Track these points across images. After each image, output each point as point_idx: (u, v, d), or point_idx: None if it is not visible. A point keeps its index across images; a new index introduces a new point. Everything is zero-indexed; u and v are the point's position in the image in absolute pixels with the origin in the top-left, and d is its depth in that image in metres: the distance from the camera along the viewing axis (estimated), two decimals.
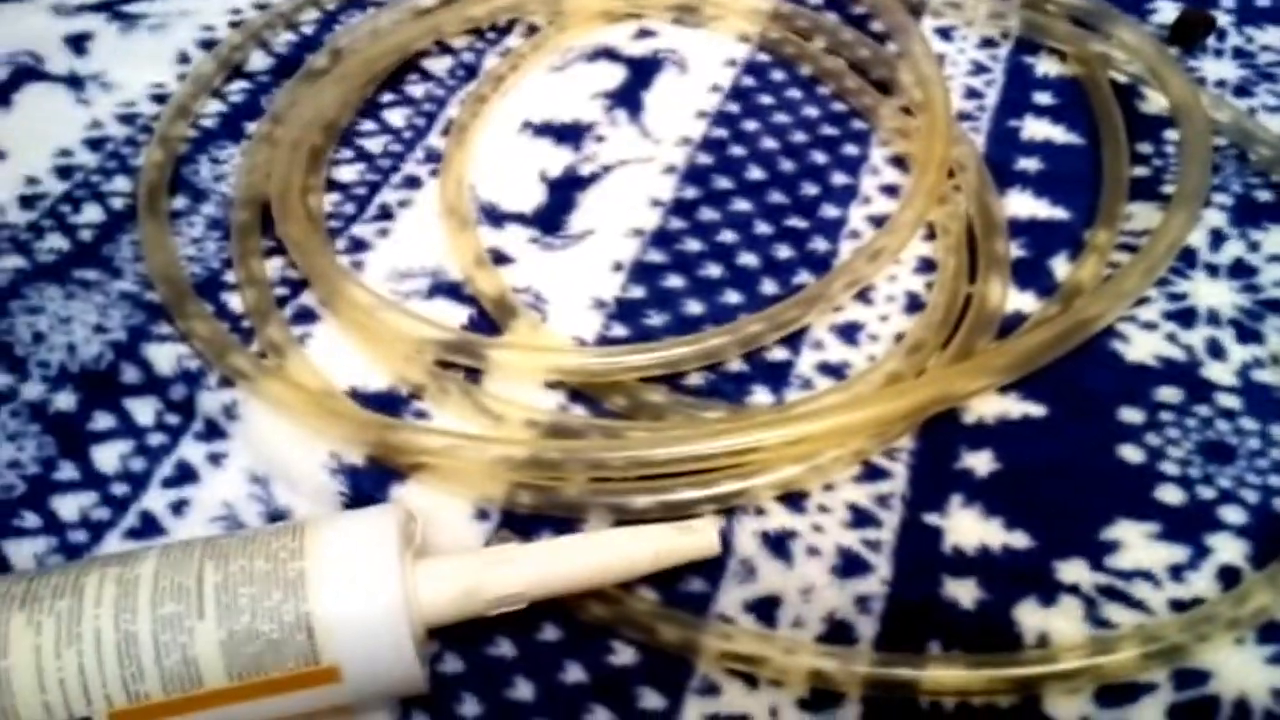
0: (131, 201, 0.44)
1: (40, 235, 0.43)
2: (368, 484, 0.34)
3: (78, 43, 0.52)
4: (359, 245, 0.42)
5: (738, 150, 0.45)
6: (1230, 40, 0.51)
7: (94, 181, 0.45)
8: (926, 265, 0.41)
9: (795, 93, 0.48)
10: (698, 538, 0.31)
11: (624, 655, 0.31)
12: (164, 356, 0.38)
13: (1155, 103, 0.47)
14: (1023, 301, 0.39)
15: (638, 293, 0.40)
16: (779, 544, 0.33)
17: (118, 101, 0.49)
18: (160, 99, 0.49)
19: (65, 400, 0.37)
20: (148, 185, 0.44)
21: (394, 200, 0.44)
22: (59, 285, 0.40)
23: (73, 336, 0.39)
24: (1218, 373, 0.37)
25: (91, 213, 0.44)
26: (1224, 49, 0.50)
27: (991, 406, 0.36)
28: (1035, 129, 0.46)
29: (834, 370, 0.37)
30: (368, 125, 0.47)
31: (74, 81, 0.50)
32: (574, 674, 0.30)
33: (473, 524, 0.33)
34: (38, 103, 0.49)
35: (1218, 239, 0.41)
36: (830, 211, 0.43)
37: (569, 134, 0.46)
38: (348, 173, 0.45)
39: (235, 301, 0.40)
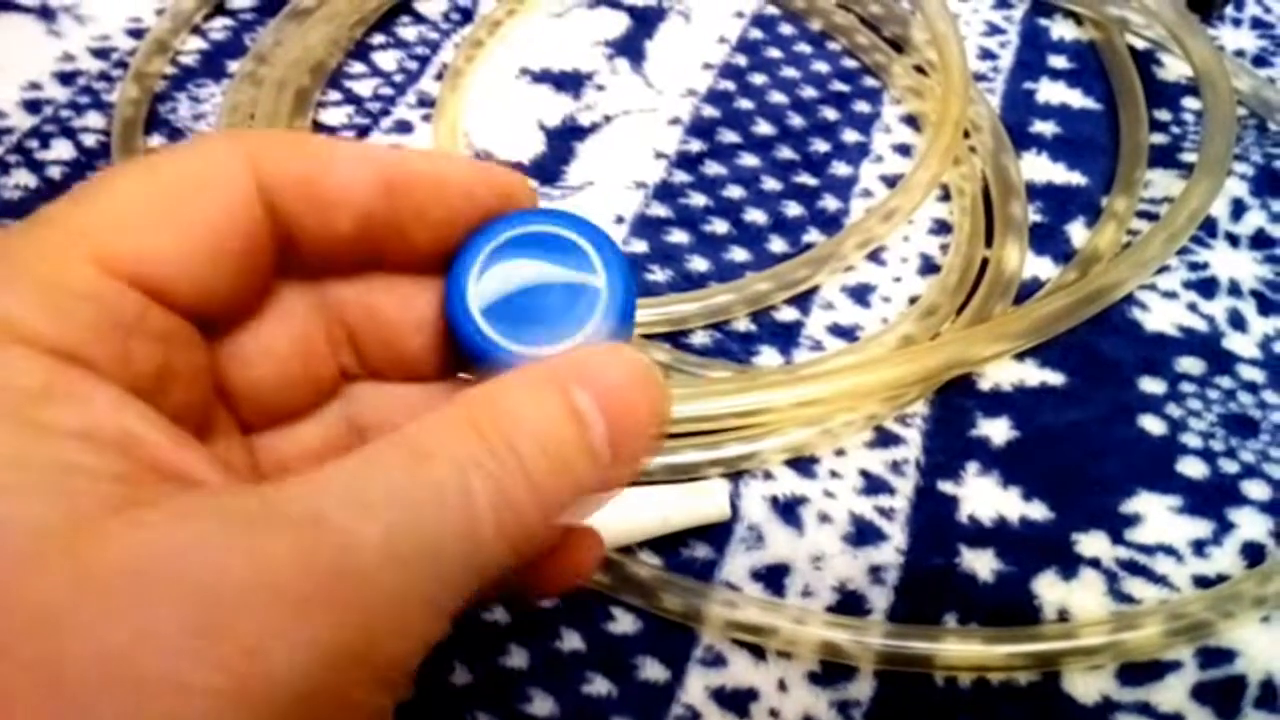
0: (105, 139, 0.41)
1: (5, 171, 0.40)
2: None
3: None
4: None
5: (745, 104, 0.43)
6: (1249, 10, 0.49)
7: (64, 117, 0.42)
8: (941, 227, 0.39)
9: (804, 47, 0.46)
10: (708, 501, 0.29)
11: (624, 623, 0.29)
12: None
13: (1173, 70, 0.45)
14: (1039, 267, 0.38)
15: (640, 247, 0.38)
16: (789, 510, 0.31)
17: (92, 35, 0.46)
18: (137, 34, 0.46)
19: None
20: (123, 122, 0.41)
21: (384, 145, 0.42)
22: None
23: None
24: (1239, 344, 0.36)
25: (61, 149, 0.41)
26: (1242, 18, 0.49)
27: (1008, 373, 0.35)
28: (1051, 92, 0.45)
29: (845, 332, 0.36)
30: (357, 67, 0.45)
31: (45, 13, 0.47)
32: (571, 642, 0.29)
33: None
34: (5, 33, 0.46)
35: (1239, 209, 0.40)
36: (841, 169, 0.41)
37: (568, 82, 0.44)
38: (335, 115, 0.43)
39: None
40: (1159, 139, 0.43)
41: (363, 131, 0.42)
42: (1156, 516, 0.31)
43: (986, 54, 0.46)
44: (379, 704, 0.14)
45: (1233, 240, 0.39)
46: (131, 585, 0.12)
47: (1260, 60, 0.47)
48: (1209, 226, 0.39)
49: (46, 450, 0.13)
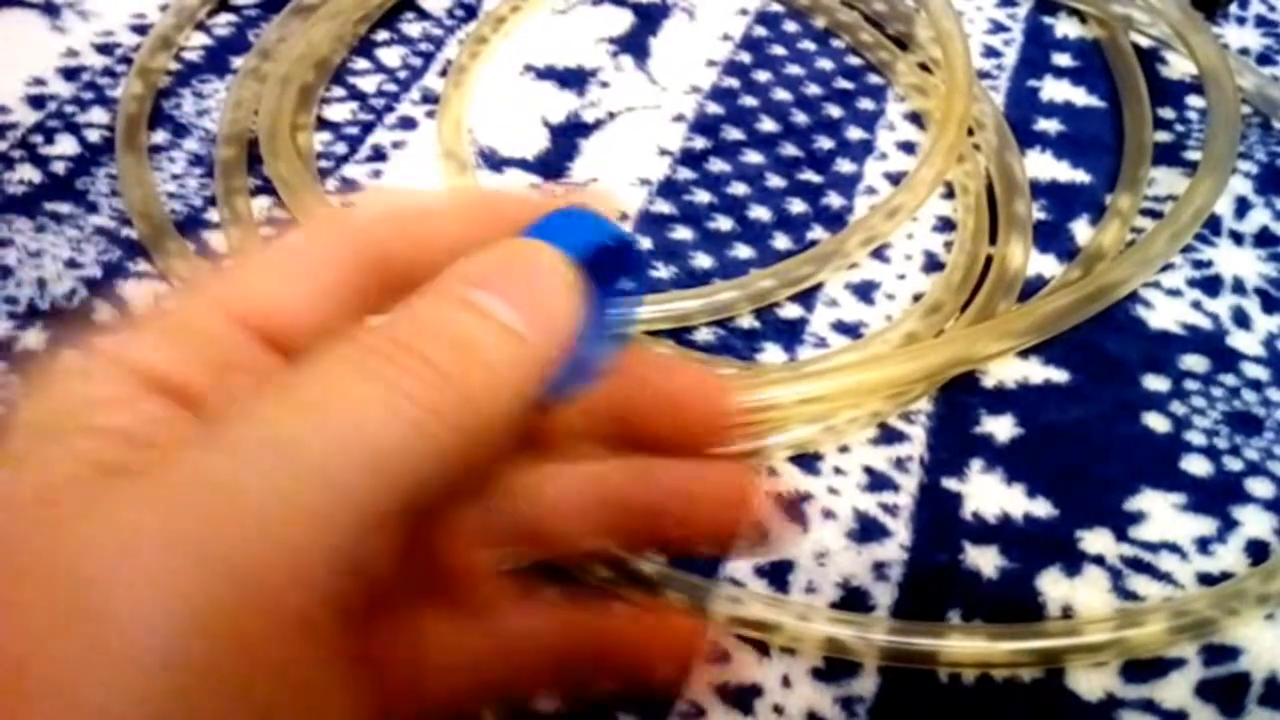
0: (108, 134, 0.41)
1: (10, 166, 0.40)
2: None
3: None
4: (350, 186, 0.40)
5: (749, 101, 0.43)
6: (1253, 8, 0.49)
7: (68, 112, 0.42)
8: (945, 224, 0.39)
9: (809, 44, 0.46)
10: None
11: None
12: (140, 295, 0.36)
13: (1177, 68, 0.45)
14: (1043, 264, 0.38)
15: (644, 244, 0.38)
16: (793, 506, 0.31)
17: (95, 31, 0.46)
18: (141, 29, 0.46)
19: (34, 338, 0.35)
20: (126, 117, 0.41)
21: (388, 141, 0.42)
22: (29, 218, 0.38)
23: (43, 271, 0.36)
24: (1244, 342, 0.36)
25: (66, 144, 0.41)
26: (1246, 16, 0.49)
27: (1012, 371, 0.35)
28: (1055, 90, 0.45)
29: (849, 329, 0.36)
30: (361, 63, 0.45)
31: (49, 8, 0.47)
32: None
33: None
34: (10, 29, 0.46)
35: (1243, 207, 0.40)
36: (845, 167, 0.41)
37: (572, 78, 0.44)
38: (339, 111, 0.43)
39: (218, 240, 0.38)
40: (1163, 137, 0.43)
41: (366, 127, 0.42)
42: (1161, 514, 0.31)
43: (991, 51, 0.46)
44: (286, 645, 0.13)
45: (1237, 238, 0.39)
46: (9, 564, 0.13)
47: (1265, 58, 0.47)
48: (1213, 224, 0.39)
49: (64, 435, 0.14)
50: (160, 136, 0.42)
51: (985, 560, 0.30)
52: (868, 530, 0.31)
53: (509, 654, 0.19)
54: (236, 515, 0.13)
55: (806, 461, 0.32)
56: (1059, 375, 0.35)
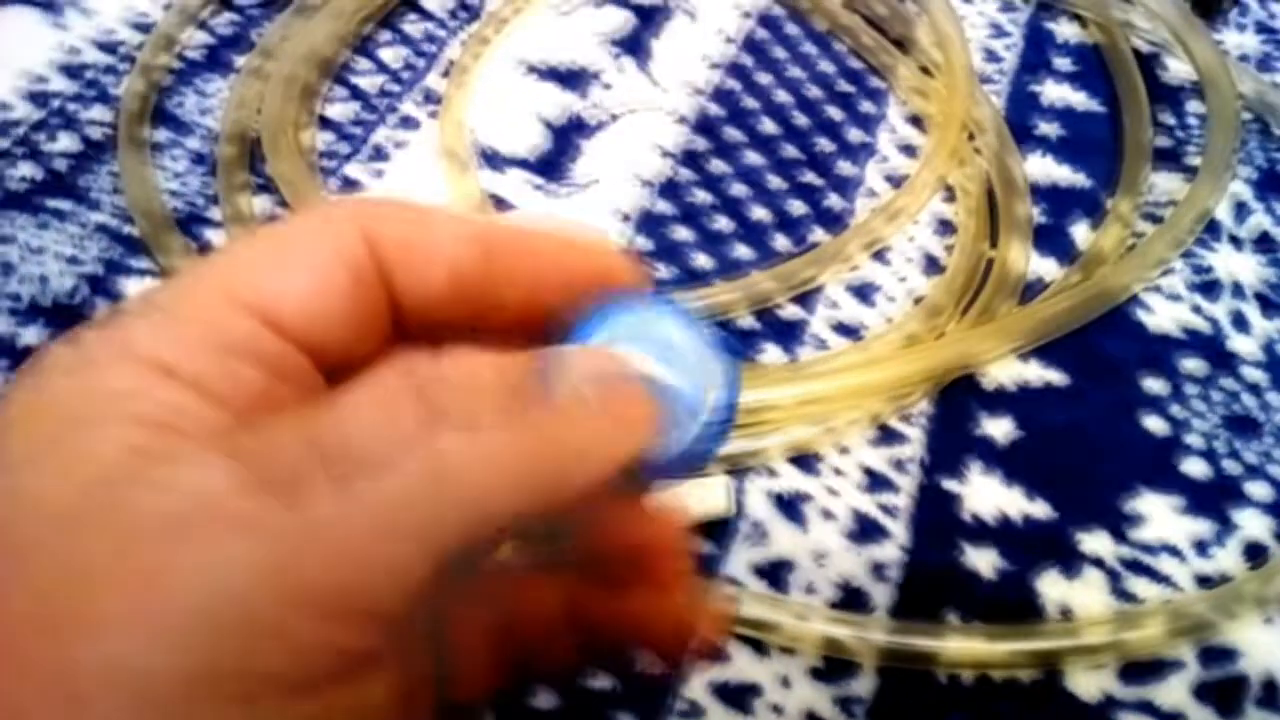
0: (110, 131, 0.41)
1: (11, 163, 0.40)
2: None
3: None
4: (352, 185, 0.40)
5: (750, 102, 0.44)
6: (1252, 13, 0.49)
7: (70, 110, 0.42)
8: (945, 227, 0.39)
9: (810, 47, 0.46)
10: (711, 497, 0.29)
11: None
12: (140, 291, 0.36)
13: (1177, 72, 0.46)
14: (1043, 267, 0.38)
15: (644, 244, 0.38)
16: (791, 506, 0.31)
17: (97, 28, 0.46)
18: (142, 27, 0.46)
19: (34, 335, 0.35)
20: (128, 115, 0.41)
21: (389, 141, 0.42)
22: (31, 215, 0.38)
23: (45, 268, 0.36)
24: (1242, 345, 0.36)
25: (66, 141, 0.41)
26: (1245, 22, 0.49)
27: (1011, 373, 0.35)
28: (1055, 93, 0.45)
29: (849, 330, 0.36)
30: (363, 63, 0.45)
31: (50, 6, 0.47)
32: None
33: None
34: (11, 26, 0.46)
35: (1242, 211, 0.40)
36: (846, 168, 0.41)
37: (574, 79, 0.44)
38: (341, 111, 0.43)
39: (218, 238, 0.38)
40: (1162, 141, 0.43)
41: (368, 127, 0.42)
42: (1159, 516, 0.31)
43: (991, 55, 0.46)
44: (334, 639, 0.13)
45: (1236, 242, 0.39)
46: (64, 522, 0.13)
47: (1263, 64, 0.47)
48: (1212, 228, 0.39)
49: (89, 421, 0.14)
50: (162, 134, 0.42)
51: (984, 561, 0.30)
52: (866, 531, 0.31)
53: (520, 627, 0.19)
54: (321, 529, 0.13)
55: (806, 462, 0.32)
56: (1058, 377, 0.35)
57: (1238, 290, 0.37)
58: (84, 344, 0.15)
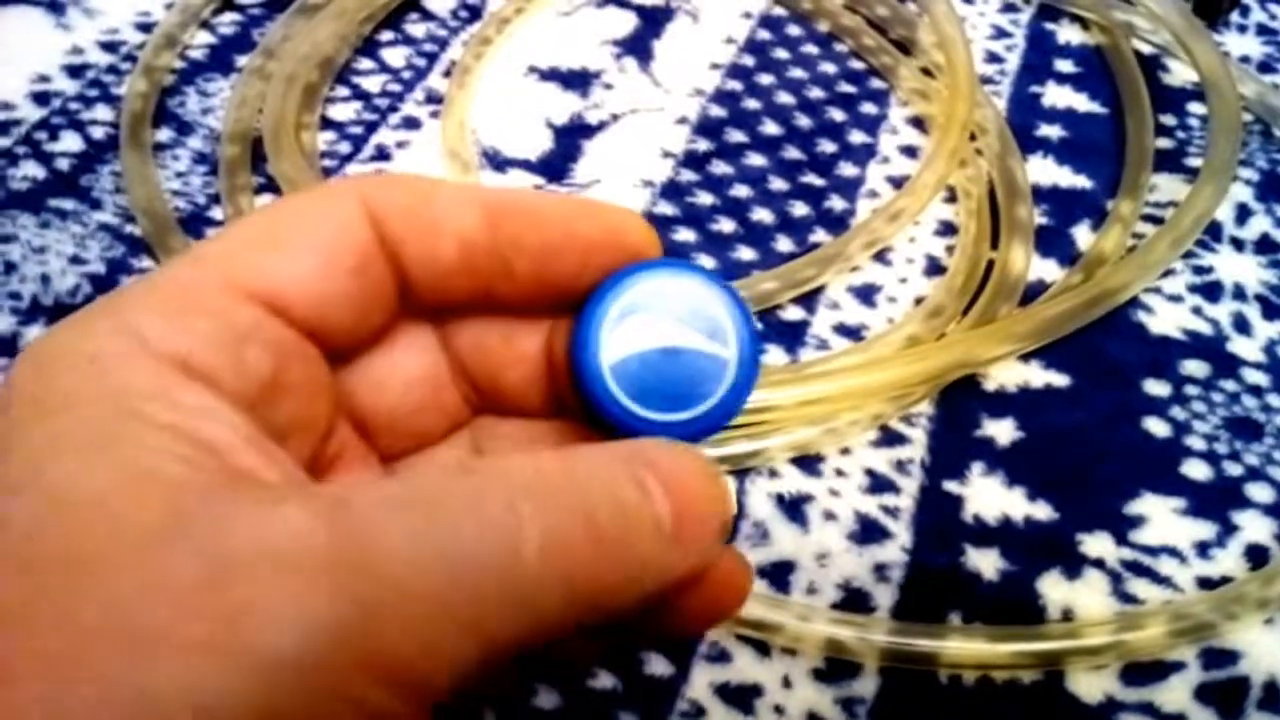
0: (113, 131, 0.42)
1: (14, 162, 0.40)
2: None
3: None
4: None
5: (752, 104, 0.44)
6: (1255, 16, 0.49)
7: (73, 109, 0.42)
8: (947, 228, 0.39)
9: (812, 48, 0.46)
10: None
11: None
12: None
13: (1179, 75, 0.46)
14: (1044, 269, 0.38)
15: None
16: (794, 508, 0.31)
17: (101, 28, 0.46)
18: (146, 28, 0.46)
19: (36, 334, 0.35)
20: (131, 115, 0.42)
21: (392, 141, 0.42)
22: (33, 214, 0.38)
23: (47, 267, 0.36)
24: (1244, 348, 0.36)
25: (70, 141, 0.41)
26: (1248, 24, 0.49)
27: (1013, 375, 0.35)
28: (1057, 96, 0.45)
29: (851, 332, 0.36)
30: (365, 63, 0.45)
31: (54, 6, 0.47)
32: None
33: None
34: (15, 26, 0.46)
35: (1243, 213, 0.40)
36: (848, 170, 0.41)
37: (576, 80, 0.44)
38: (343, 111, 0.43)
39: None
40: (1164, 143, 0.43)
41: (370, 127, 0.42)
42: (1160, 518, 0.31)
43: (993, 57, 0.46)
44: (388, 708, 0.13)
45: (1237, 245, 0.39)
46: (148, 541, 0.13)
47: (1266, 66, 0.47)
48: (1214, 231, 0.39)
49: (130, 429, 0.14)
50: (164, 134, 0.42)
51: (986, 562, 0.30)
52: (869, 532, 0.31)
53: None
54: (391, 579, 0.13)
55: (808, 463, 0.32)
56: (1060, 379, 0.35)
57: (1239, 292, 0.38)
58: (91, 336, 0.15)
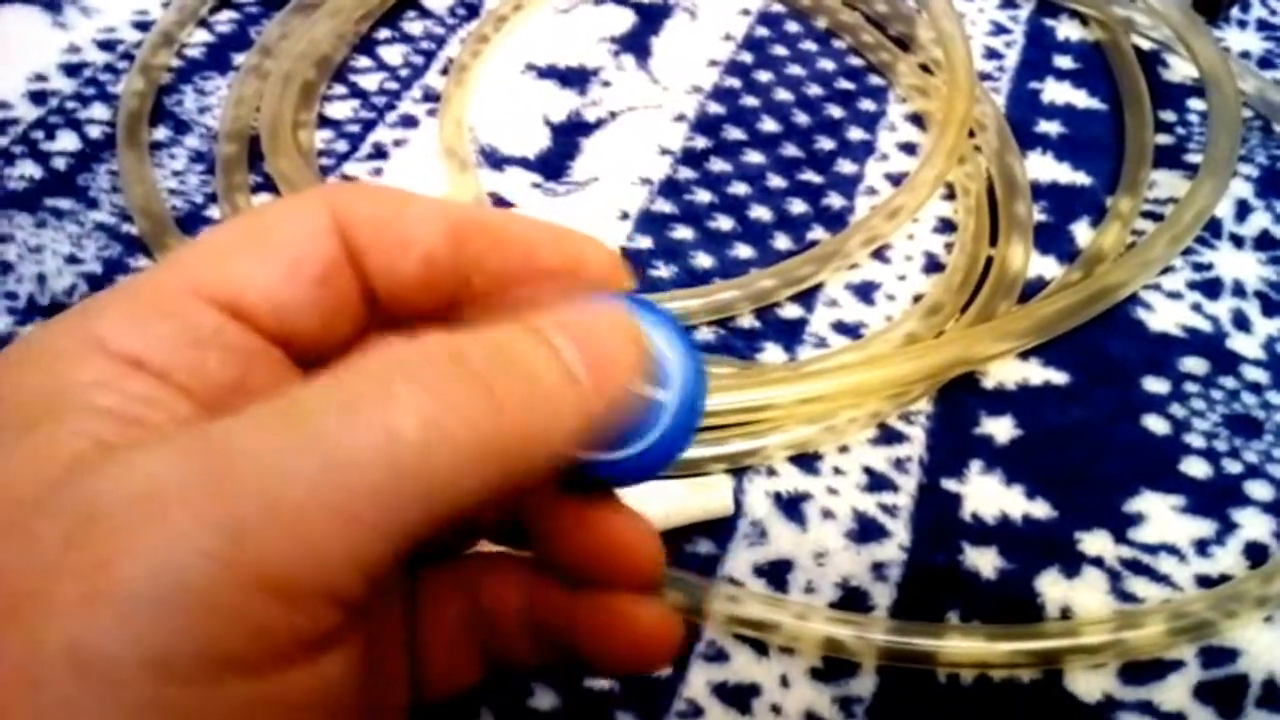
0: (110, 130, 0.41)
1: (11, 162, 0.40)
2: None
3: None
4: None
5: (750, 101, 0.44)
6: (1255, 11, 0.49)
7: (70, 108, 0.42)
8: (945, 225, 0.39)
9: (810, 45, 0.46)
10: (711, 496, 0.29)
11: None
12: None
13: (1179, 71, 0.45)
14: (1043, 266, 0.38)
15: (645, 243, 0.38)
16: (792, 506, 0.31)
17: (98, 27, 0.46)
18: (143, 26, 0.46)
19: None
20: (128, 114, 0.41)
21: (389, 139, 0.42)
22: (30, 213, 0.38)
23: (44, 267, 0.36)
24: (1243, 345, 0.36)
25: (67, 140, 0.41)
26: (1248, 20, 0.49)
27: (1012, 372, 0.35)
28: (1056, 92, 0.45)
29: (849, 329, 0.36)
30: (363, 61, 0.45)
31: (51, 4, 0.47)
32: None
33: None
34: (12, 25, 0.46)
35: (1243, 210, 0.40)
36: (846, 167, 0.41)
37: (574, 77, 0.44)
38: (341, 109, 0.43)
39: None
40: (1164, 140, 0.43)
41: (368, 125, 0.42)
42: (1159, 516, 0.31)
43: (992, 53, 0.46)
44: (293, 622, 0.13)
45: (1237, 241, 0.39)
46: (21, 512, 0.13)
47: (1266, 62, 0.47)
48: (1213, 227, 0.39)
49: (60, 414, 0.14)
50: (161, 133, 0.42)
51: (984, 561, 0.30)
52: (867, 530, 0.31)
53: (488, 619, 0.19)
54: (259, 493, 0.13)
55: (806, 461, 0.32)
56: (1059, 377, 0.35)
57: (1239, 289, 0.37)
58: (53, 336, 0.15)
